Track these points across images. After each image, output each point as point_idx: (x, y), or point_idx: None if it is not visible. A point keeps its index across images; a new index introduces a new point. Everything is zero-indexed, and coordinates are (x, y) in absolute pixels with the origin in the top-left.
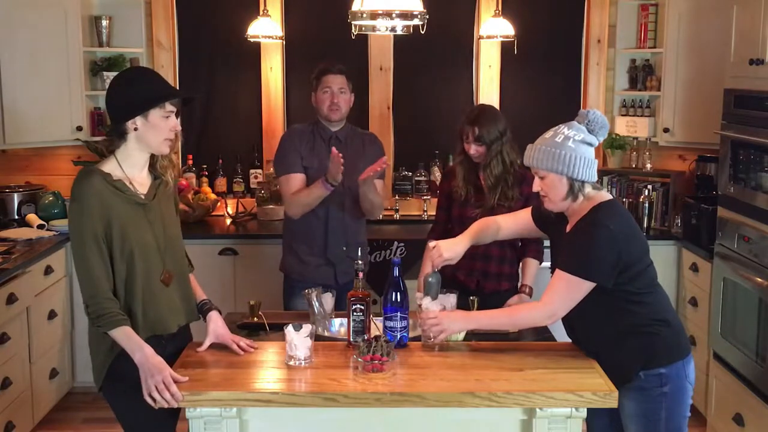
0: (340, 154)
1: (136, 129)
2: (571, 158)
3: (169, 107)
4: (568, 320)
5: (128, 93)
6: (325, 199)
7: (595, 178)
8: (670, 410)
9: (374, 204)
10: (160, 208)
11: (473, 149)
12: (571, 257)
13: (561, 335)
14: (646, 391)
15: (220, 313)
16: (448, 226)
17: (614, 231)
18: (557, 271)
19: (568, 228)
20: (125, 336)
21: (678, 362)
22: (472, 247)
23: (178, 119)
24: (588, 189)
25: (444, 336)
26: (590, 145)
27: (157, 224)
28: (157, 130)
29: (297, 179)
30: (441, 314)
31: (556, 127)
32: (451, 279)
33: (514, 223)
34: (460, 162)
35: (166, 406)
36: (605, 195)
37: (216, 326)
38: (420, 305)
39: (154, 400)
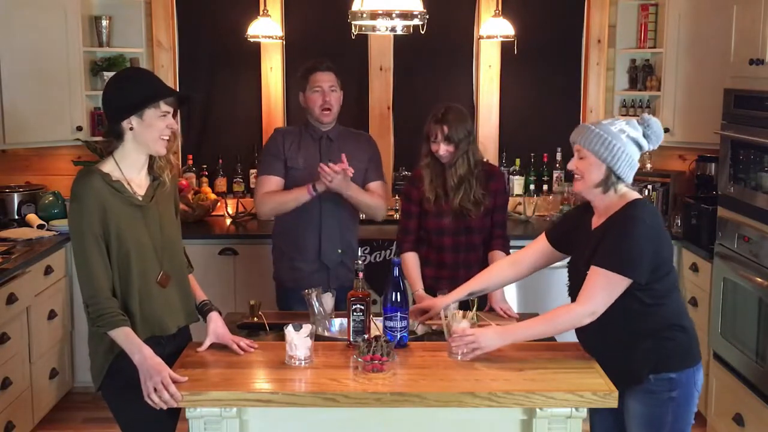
0: (336, 167)
1: (132, 129)
2: (619, 150)
3: (165, 107)
4: None
5: (124, 93)
6: (319, 202)
7: (630, 181)
8: (677, 415)
9: (370, 206)
10: (158, 209)
11: (443, 149)
12: (608, 254)
13: (561, 335)
14: (654, 395)
15: (220, 313)
16: (420, 234)
17: (651, 228)
18: (593, 267)
19: (596, 223)
20: (125, 337)
21: (689, 369)
22: (454, 255)
23: (177, 119)
24: (621, 186)
25: (479, 353)
26: (640, 147)
27: (155, 226)
28: (153, 130)
29: (273, 182)
30: (477, 332)
31: (615, 117)
32: (435, 282)
33: (532, 252)
34: (427, 164)
35: (165, 407)
36: (636, 194)
37: (216, 326)
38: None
39: (154, 401)
